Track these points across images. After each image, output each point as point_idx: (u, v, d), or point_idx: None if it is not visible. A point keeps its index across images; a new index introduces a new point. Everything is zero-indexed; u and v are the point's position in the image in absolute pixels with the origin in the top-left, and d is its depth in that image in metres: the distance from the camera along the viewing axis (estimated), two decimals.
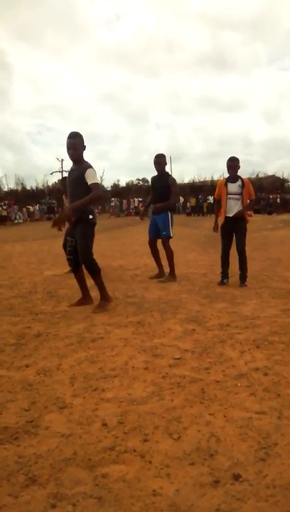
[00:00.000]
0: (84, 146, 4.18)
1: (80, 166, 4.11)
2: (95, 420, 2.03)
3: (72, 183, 4.19)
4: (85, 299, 4.51)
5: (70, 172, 4.29)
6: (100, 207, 33.70)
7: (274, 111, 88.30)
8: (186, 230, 17.29)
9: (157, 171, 5.95)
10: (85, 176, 4.03)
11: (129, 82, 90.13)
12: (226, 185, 5.40)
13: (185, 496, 1.48)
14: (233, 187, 5.36)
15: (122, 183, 38.96)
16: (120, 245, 11.81)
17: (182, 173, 72.53)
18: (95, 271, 4.22)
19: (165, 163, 6.00)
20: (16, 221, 28.83)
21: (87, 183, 4.04)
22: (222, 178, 5.56)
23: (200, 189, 33.88)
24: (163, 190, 5.87)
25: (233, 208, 5.36)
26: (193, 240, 13.13)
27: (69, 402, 2.23)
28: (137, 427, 1.96)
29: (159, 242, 5.99)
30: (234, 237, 5.49)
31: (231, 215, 5.37)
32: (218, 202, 5.58)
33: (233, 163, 5.37)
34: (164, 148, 71.53)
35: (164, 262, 6.08)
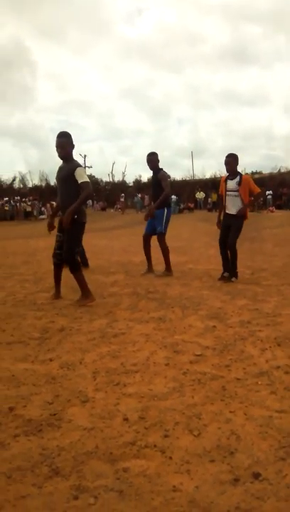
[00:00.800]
0: (73, 145, 4.33)
1: (69, 164, 4.25)
2: (117, 415, 2.07)
3: (61, 181, 4.30)
4: (56, 294, 4.66)
5: (59, 170, 4.38)
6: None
7: None
8: (207, 226, 17.17)
9: (150, 169, 6.04)
10: (75, 174, 4.16)
11: (150, 76, 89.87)
12: (226, 181, 5.50)
13: (204, 493, 1.49)
14: (231, 184, 5.43)
15: (144, 179, 38.96)
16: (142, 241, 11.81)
17: (203, 168, 72.09)
18: (75, 269, 4.31)
19: (158, 161, 6.03)
20: (41, 217, 29.21)
21: (76, 181, 4.16)
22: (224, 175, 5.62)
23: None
24: (156, 186, 6.01)
25: (230, 204, 5.43)
26: (215, 236, 13.00)
27: (91, 396, 2.27)
28: (158, 423, 1.98)
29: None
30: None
31: (228, 211, 5.45)
32: (222, 198, 5.64)
33: (228, 159, 5.43)
34: (186, 143, 71.08)
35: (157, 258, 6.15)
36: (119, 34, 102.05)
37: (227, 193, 5.44)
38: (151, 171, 6.09)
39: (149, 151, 6.08)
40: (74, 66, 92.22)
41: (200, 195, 32.68)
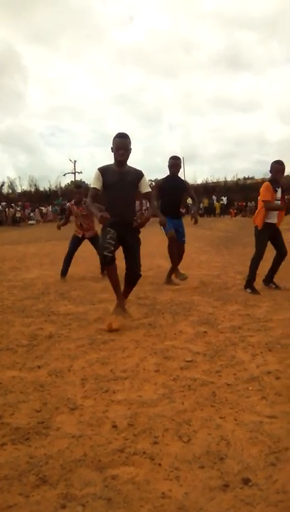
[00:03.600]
0: (131, 149, 4.02)
1: (131, 169, 3.98)
2: (105, 422, 2.04)
3: (126, 186, 3.92)
4: (122, 302, 4.08)
5: (119, 176, 3.92)
6: None
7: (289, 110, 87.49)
8: (199, 231, 17.24)
9: (172, 173, 5.73)
10: (141, 183, 3.96)
11: (142, 83, 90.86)
12: (276, 191, 5.20)
13: (194, 499, 1.48)
14: (278, 193, 5.21)
15: None
16: None
17: (195, 173, 72.53)
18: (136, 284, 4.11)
19: (181, 166, 5.90)
20: (30, 222, 29.10)
21: (137, 187, 3.97)
22: (266, 181, 5.29)
23: (212, 190, 33.75)
24: (177, 193, 5.77)
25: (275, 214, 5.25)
26: (207, 242, 13.09)
27: (80, 404, 2.24)
28: (147, 430, 1.96)
29: None
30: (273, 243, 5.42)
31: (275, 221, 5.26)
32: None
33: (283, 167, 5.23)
34: (177, 149, 71.62)
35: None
36: (110, 40, 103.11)
37: (276, 202, 5.20)
38: (168, 175, 5.78)
39: (173, 155, 5.80)
40: (66, 72, 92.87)
41: (191, 200, 32.82)
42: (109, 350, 3.07)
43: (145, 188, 4.00)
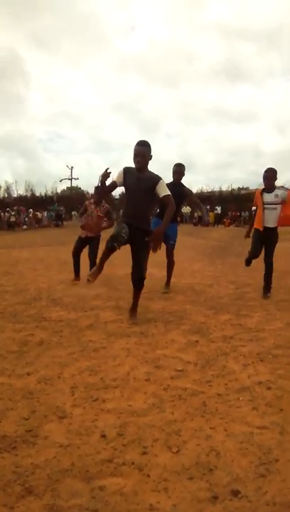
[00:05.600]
0: (151, 156, 4.13)
1: (149, 175, 4.05)
2: (94, 431, 2.02)
3: (142, 192, 4.04)
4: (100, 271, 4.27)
5: (136, 180, 4.06)
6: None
7: (286, 121, 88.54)
8: (192, 240, 17.29)
9: (176, 180, 5.80)
10: (157, 187, 3.99)
11: (141, 91, 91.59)
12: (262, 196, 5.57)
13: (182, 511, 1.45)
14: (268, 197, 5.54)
15: None
16: (127, 253, 11.79)
17: (190, 183, 72.84)
18: (142, 287, 4.26)
19: (184, 174, 5.92)
20: (24, 227, 28.96)
21: (155, 194, 4.02)
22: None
23: (207, 199, 33.86)
24: (178, 199, 5.79)
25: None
26: (200, 251, 13.10)
27: (69, 412, 2.21)
28: (136, 440, 1.94)
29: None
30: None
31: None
32: None
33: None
34: (174, 158, 72.04)
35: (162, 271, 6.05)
36: (113, 48, 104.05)
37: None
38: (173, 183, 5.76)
39: (177, 162, 5.89)
40: (67, 78, 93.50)
41: (186, 209, 32.90)
42: (100, 358, 3.04)
43: (162, 192, 4.03)
